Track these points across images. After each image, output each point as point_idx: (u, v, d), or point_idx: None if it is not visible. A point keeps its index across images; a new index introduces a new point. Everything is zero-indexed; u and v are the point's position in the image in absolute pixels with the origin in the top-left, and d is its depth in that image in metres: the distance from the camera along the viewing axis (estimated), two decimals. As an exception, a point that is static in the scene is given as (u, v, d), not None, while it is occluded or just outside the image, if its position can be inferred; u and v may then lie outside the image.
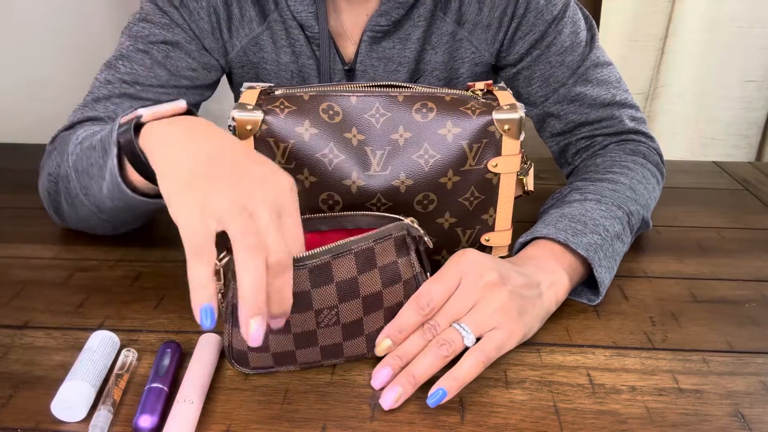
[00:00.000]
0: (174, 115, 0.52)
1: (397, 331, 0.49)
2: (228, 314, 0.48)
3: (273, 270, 0.41)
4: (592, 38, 0.75)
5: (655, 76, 1.53)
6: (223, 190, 0.42)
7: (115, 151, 0.52)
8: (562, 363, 0.52)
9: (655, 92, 1.55)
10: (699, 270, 0.67)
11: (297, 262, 0.46)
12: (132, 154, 0.51)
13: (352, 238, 0.48)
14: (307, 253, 0.46)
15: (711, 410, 0.47)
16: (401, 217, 0.51)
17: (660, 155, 0.76)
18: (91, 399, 0.46)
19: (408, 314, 0.49)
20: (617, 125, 0.75)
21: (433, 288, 0.49)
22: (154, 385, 0.46)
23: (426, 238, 0.50)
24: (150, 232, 0.74)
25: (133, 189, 0.55)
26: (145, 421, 0.44)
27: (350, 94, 0.58)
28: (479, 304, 0.49)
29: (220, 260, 0.43)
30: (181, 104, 0.53)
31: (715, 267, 0.68)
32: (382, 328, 0.50)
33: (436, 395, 0.46)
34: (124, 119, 0.53)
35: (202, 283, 0.40)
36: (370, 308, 0.49)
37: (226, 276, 0.47)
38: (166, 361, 0.49)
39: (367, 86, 0.60)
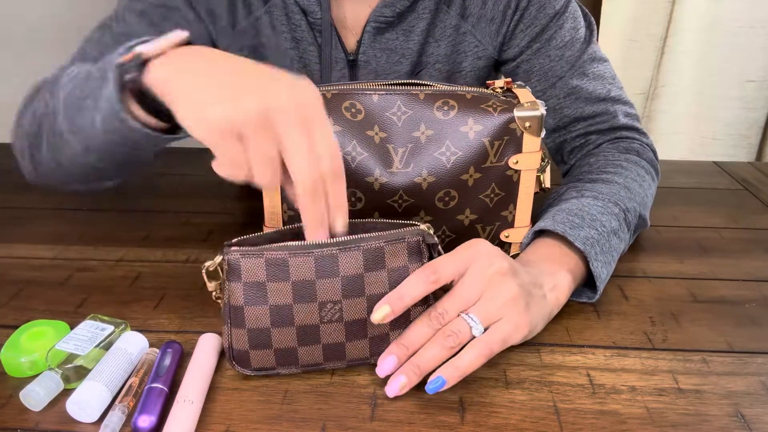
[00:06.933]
0: (175, 47, 0.51)
1: (397, 298, 0.47)
2: (227, 315, 0.48)
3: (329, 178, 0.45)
4: (590, 35, 0.76)
5: (655, 76, 1.54)
6: (252, 98, 0.44)
7: (113, 76, 0.50)
8: (562, 363, 0.52)
9: (655, 92, 1.55)
10: (699, 270, 0.67)
11: (304, 249, 0.47)
12: (139, 91, 0.51)
13: (363, 235, 0.47)
14: (313, 242, 0.47)
15: (711, 410, 0.47)
16: (417, 223, 0.50)
17: (654, 151, 0.76)
18: (107, 401, 0.46)
19: (412, 282, 0.47)
20: (611, 120, 0.75)
21: (442, 261, 0.48)
22: (154, 385, 0.46)
23: (440, 247, 0.49)
24: (150, 232, 0.74)
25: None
26: (144, 421, 0.44)
27: (372, 92, 0.59)
28: (488, 293, 0.48)
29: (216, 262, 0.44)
30: (182, 35, 0.52)
31: (715, 267, 0.68)
32: (387, 333, 0.49)
33: (435, 383, 0.46)
34: (123, 58, 0.51)
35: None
36: None
37: (222, 277, 0.47)
38: (166, 361, 0.49)
39: (388, 84, 0.60)
